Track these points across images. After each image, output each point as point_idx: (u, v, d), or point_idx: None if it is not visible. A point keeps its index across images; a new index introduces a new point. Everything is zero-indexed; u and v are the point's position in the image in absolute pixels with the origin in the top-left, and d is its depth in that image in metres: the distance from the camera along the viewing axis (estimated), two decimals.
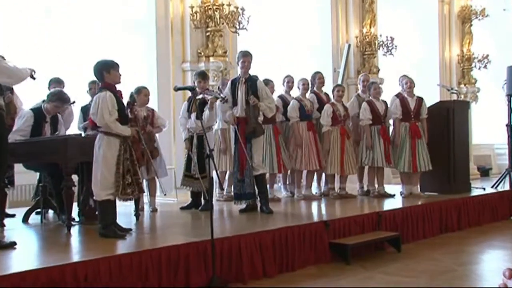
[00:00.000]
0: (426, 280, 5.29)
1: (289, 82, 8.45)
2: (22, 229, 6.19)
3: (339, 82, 11.87)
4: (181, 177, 7.34)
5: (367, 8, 13.00)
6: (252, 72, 7.02)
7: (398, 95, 8.56)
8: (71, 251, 5.06)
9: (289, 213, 7.21)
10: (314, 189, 8.68)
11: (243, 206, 7.00)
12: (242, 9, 9.79)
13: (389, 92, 9.46)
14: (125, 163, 5.32)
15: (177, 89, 5.92)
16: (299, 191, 8.27)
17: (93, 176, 5.31)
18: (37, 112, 6.45)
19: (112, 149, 5.26)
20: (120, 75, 5.41)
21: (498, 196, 9.07)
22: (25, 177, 7.52)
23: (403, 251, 6.51)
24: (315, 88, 8.61)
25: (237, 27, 9.85)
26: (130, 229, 5.62)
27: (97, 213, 5.55)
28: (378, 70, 13.06)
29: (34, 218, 6.64)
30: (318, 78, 8.62)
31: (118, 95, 5.39)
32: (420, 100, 8.41)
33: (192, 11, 9.72)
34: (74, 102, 7.11)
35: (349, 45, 12.52)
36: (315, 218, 6.81)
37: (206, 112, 7.01)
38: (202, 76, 7.37)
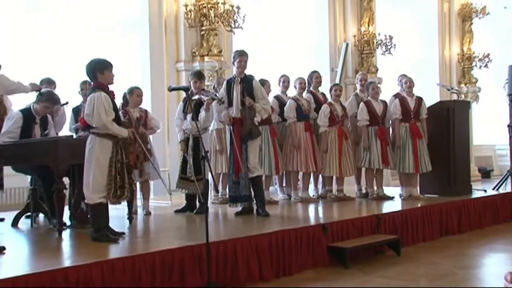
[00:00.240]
0: (426, 284, 5.31)
1: (284, 81, 8.45)
2: (12, 233, 6.17)
3: (337, 81, 11.87)
4: (176, 180, 7.33)
5: (365, 6, 13.01)
6: (248, 72, 7.02)
7: (397, 95, 8.58)
8: (62, 255, 5.04)
9: (286, 216, 7.21)
10: (312, 191, 8.68)
11: (239, 209, 7.00)
12: (238, 8, 9.79)
13: (388, 92, 9.47)
14: (117, 165, 5.32)
15: (171, 89, 5.92)
16: (295, 193, 8.27)
17: (84, 179, 5.30)
18: (27, 113, 6.43)
19: (104, 151, 5.25)
20: (113, 75, 5.42)
21: (499, 198, 9.08)
22: (15, 180, 7.50)
23: (403, 254, 6.51)
24: (311, 88, 8.61)
25: (233, 26, 9.85)
26: (123, 233, 5.61)
27: (89, 216, 5.54)
28: (377, 70, 13.07)
29: (24, 222, 6.62)
30: (315, 77, 8.62)
31: (111, 95, 5.39)
32: (419, 100, 8.44)
33: (186, 9, 9.71)
34: (67, 103, 7.10)
35: (347, 44, 12.53)
36: (313, 221, 6.82)
37: (202, 113, 7.01)
38: (198, 76, 7.37)
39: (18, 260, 4.75)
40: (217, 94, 7.07)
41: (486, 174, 15.80)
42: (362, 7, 13.04)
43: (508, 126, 10.30)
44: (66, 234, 5.83)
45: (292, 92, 8.42)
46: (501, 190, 9.82)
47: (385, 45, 13.04)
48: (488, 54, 15.91)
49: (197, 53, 9.87)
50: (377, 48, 13.03)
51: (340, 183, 8.38)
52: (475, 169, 14.52)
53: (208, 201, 6.78)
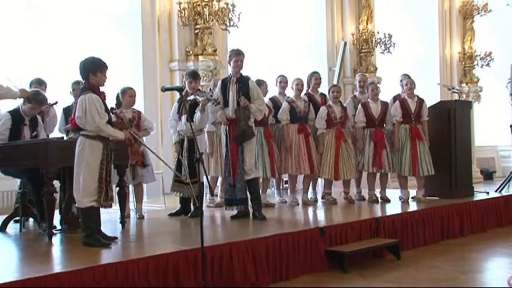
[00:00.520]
0: None
1: (281, 82, 8.46)
2: (0, 238, 6.15)
3: (335, 81, 11.90)
4: (171, 182, 7.33)
5: (364, 3, 13.04)
6: (244, 71, 7.03)
7: (397, 97, 8.59)
8: (52, 261, 5.04)
9: (283, 220, 7.22)
10: (310, 194, 8.68)
11: (235, 212, 7.00)
12: (233, 6, 9.80)
13: (387, 92, 9.49)
14: (108, 168, 5.32)
15: (164, 89, 5.91)
16: (293, 196, 8.28)
17: (74, 182, 5.29)
18: (15, 114, 6.42)
19: (95, 153, 5.25)
20: (105, 78, 5.41)
21: (502, 201, 9.10)
22: (3, 183, 7.50)
23: (403, 258, 6.52)
24: (310, 89, 8.63)
25: (228, 24, 9.86)
26: (116, 237, 5.61)
27: (80, 220, 5.53)
28: (376, 69, 13.10)
29: (13, 227, 6.60)
30: (314, 78, 8.65)
31: (101, 96, 5.38)
32: (420, 101, 8.42)
33: (180, 7, 9.72)
34: (56, 102, 7.09)
35: (345, 43, 12.55)
36: (310, 224, 6.83)
37: (197, 114, 7.01)
38: (193, 76, 7.36)
39: (6, 266, 4.72)
40: (212, 95, 7.07)
41: (488, 175, 15.84)
42: (361, 4, 13.07)
43: (511, 126, 10.33)
44: (56, 239, 5.82)
45: (290, 93, 8.42)
46: (504, 192, 9.85)
47: (384, 43, 13.07)
48: (490, 53, 15.95)
49: (191, 52, 9.87)
50: (376, 47, 13.07)
51: (346, 185, 8.44)
52: (477, 170, 14.58)
53: (203, 204, 6.77)
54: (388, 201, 8.39)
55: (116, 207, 6.29)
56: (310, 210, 7.88)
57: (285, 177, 9.11)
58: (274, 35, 11.93)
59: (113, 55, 8.94)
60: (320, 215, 7.61)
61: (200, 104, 6.97)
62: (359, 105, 8.45)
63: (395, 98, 8.70)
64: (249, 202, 7.01)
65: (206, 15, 9.68)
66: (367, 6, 13.04)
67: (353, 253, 6.09)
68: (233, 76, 6.96)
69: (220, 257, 5.14)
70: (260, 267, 5.41)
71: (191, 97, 7.11)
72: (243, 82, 6.91)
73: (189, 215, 7.24)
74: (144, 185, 7.57)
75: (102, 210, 5.49)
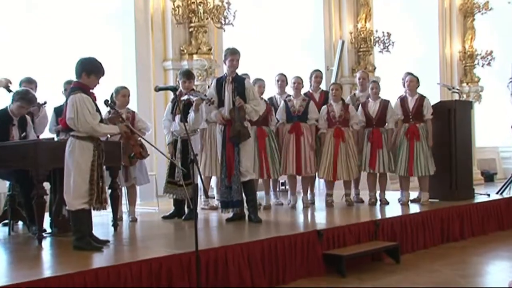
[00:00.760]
0: None
1: (279, 80, 8.46)
2: None
3: (332, 81, 11.90)
4: (164, 184, 7.32)
5: (362, 1, 13.06)
6: (239, 70, 7.03)
7: (401, 96, 8.59)
8: (42, 265, 5.01)
9: (279, 222, 7.21)
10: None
11: (230, 215, 7.00)
12: (228, 3, 9.80)
13: (386, 91, 9.48)
14: (99, 169, 5.31)
15: (158, 89, 5.91)
16: (293, 198, 8.28)
17: (65, 184, 5.28)
18: (3, 114, 6.40)
19: (85, 154, 5.23)
20: (98, 83, 5.41)
21: (503, 203, 9.12)
22: None
23: (402, 262, 6.52)
24: (311, 88, 8.66)
25: (223, 22, 9.86)
26: (108, 241, 5.59)
27: (70, 223, 5.51)
28: (374, 68, 13.11)
29: (2, 230, 6.60)
30: (314, 76, 8.68)
31: (91, 96, 5.37)
32: (421, 99, 8.36)
33: (173, 5, 9.72)
34: (45, 102, 7.07)
35: (343, 42, 12.56)
36: (308, 227, 6.81)
37: (191, 115, 7.00)
38: (187, 75, 7.36)
39: None
40: (206, 95, 7.07)
41: (489, 177, 15.88)
42: (359, 2, 13.09)
43: None
44: (46, 242, 5.80)
45: (291, 91, 8.44)
46: (505, 195, 9.88)
47: (383, 42, 13.09)
48: (491, 52, 15.99)
49: (185, 51, 9.87)
50: (375, 45, 13.08)
51: (347, 186, 8.44)
52: (477, 172, 14.60)
53: (197, 206, 6.77)
54: (387, 203, 8.39)
55: (108, 209, 6.27)
56: (307, 212, 7.87)
57: (283, 179, 9.13)
58: (271, 33, 11.95)
59: (105, 53, 8.93)
60: (318, 218, 7.61)
61: (194, 104, 6.96)
62: (360, 105, 8.47)
63: (399, 97, 8.72)
64: (245, 204, 7.01)
65: (200, 13, 9.68)
66: (366, 4, 13.06)
67: (351, 257, 6.09)
68: (229, 75, 6.96)
69: (215, 261, 5.13)
70: (256, 271, 5.41)
71: (185, 97, 7.10)
72: (238, 82, 6.91)
73: (183, 217, 7.23)
74: (137, 187, 7.55)
75: (93, 212, 5.48)
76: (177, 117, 7.11)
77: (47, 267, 4.92)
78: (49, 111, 7.33)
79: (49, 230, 6.21)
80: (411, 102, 8.38)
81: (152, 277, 4.69)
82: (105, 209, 5.54)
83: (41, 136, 7.04)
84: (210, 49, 9.88)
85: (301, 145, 8.08)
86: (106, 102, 5.96)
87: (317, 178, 8.72)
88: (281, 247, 5.67)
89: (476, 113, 13.54)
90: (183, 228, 6.78)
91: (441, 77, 15.36)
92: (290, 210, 8.03)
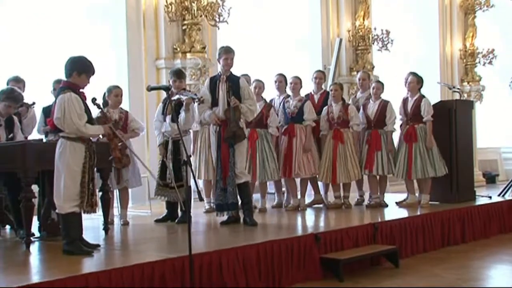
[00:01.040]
0: None
1: (277, 81, 8.44)
2: None
3: (330, 80, 11.91)
4: (155, 186, 7.32)
5: None
6: (238, 71, 7.04)
7: (404, 97, 8.60)
8: (30, 271, 4.99)
9: (275, 225, 7.22)
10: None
11: (224, 218, 7.00)
12: (222, 0, 9.79)
13: (385, 91, 9.49)
14: (90, 171, 5.30)
15: (150, 89, 5.91)
16: (294, 200, 8.28)
17: (55, 186, 5.27)
18: None
19: (76, 156, 5.23)
20: (88, 82, 5.42)
21: (506, 205, 9.14)
22: None
23: (401, 266, 6.53)
24: (314, 88, 8.69)
25: (217, 20, 9.84)
26: (98, 245, 5.60)
27: (60, 227, 5.50)
28: (373, 67, 13.11)
29: None
30: (314, 77, 8.74)
31: (81, 96, 5.37)
32: (419, 99, 8.35)
33: (166, 2, 9.70)
34: (34, 103, 7.06)
35: (341, 40, 12.56)
36: (305, 230, 6.81)
37: (182, 115, 7.00)
38: (178, 74, 7.36)
39: None
40: (196, 93, 7.07)
41: (491, 179, 15.90)
42: None
43: None
44: (34, 247, 5.79)
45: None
46: (507, 197, 9.88)
47: (382, 40, 13.09)
48: (493, 50, 16.01)
49: (178, 49, 9.85)
50: (373, 43, 13.08)
51: (347, 189, 8.47)
52: (479, 174, 14.62)
53: (191, 209, 6.77)
54: (386, 206, 8.40)
55: (99, 212, 6.26)
56: (304, 215, 7.88)
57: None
58: (266, 31, 11.94)
59: (96, 52, 8.92)
60: (315, 221, 7.61)
61: (184, 104, 6.97)
62: (361, 107, 8.50)
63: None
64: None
65: (194, 10, 9.67)
66: (364, 1, 13.05)
67: (349, 261, 6.10)
68: (223, 74, 6.96)
69: (209, 265, 5.13)
70: (252, 275, 5.41)
71: (176, 97, 7.10)
72: (233, 81, 6.91)
73: (176, 221, 7.24)
74: (129, 190, 7.54)
75: (84, 216, 5.47)
76: (168, 118, 7.11)
77: (36, 272, 4.90)
78: (38, 112, 7.30)
79: (37, 234, 6.21)
80: (409, 103, 8.40)
81: (144, 282, 4.69)
82: (96, 212, 5.55)
83: (29, 138, 7.02)
84: (204, 48, 9.87)
85: (293, 147, 8.08)
86: (93, 100, 5.95)
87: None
88: (277, 251, 5.67)
89: (477, 113, 13.55)
90: (176, 232, 6.78)
91: (441, 76, 15.38)
92: (287, 212, 8.03)
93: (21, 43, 8.85)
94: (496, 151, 16.93)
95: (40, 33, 9.01)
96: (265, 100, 8.17)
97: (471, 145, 9.30)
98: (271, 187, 8.98)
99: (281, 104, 8.27)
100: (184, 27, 9.90)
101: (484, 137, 16.04)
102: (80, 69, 5.32)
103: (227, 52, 6.95)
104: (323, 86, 8.93)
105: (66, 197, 5.22)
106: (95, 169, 5.61)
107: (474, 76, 16.03)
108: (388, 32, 13.13)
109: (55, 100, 5.37)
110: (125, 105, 8.78)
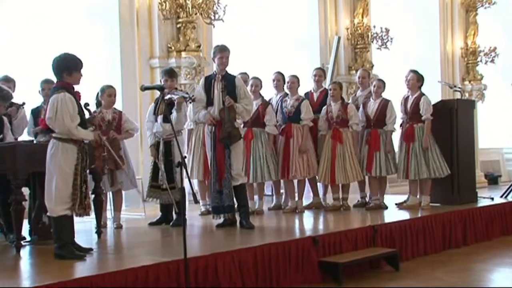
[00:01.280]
0: None
1: (274, 80, 8.44)
2: None
3: (328, 79, 11.91)
4: (147, 188, 7.32)
5: None
6: (236, 69, 7.05)
7: (405, 95, 8.61)
8: (20, 275, 4.99)
9: (272, 228, 7.21)
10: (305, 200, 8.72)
11: (220, 220, 7.00)
12: None
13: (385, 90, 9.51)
14: (83, 173, 5.30)
15: (144, 88, 5.91)
16: (293, 202, 8.29)
17: (46, 189, 5.26)
18: None
19: (68, 157, 5.22)
20: (81, 76, 5.41)
21: (508, 207, 9.14)
22: None
23: (402, 269, 6.54)
24: (314, 87, 8.69)
25: (212, 17, 9.85)
26: (91, 249, 5.59)
27: (51, 231, 5.49)
28: (372, 66, 13.12)
29: None
30: (313, 75, 8.74)
31: (76, 96, 5.36)
32: (418, 97, 8.31)
33: None
34: (24, 103, 7.04)
35: (339, 38, 12.57)
36: (302, 233, 6.81)
37: (173, 114, 7.00)
38: (169, 74, 7.37)
39: None
40: (188, 92, 7.07)
41: (493, 180, 15.92)
42: None
43: None
44: (25, 251, 5.78)
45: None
46: (510, 198, 9.89)
47: (381, 38, 13.11)
48: (495, 48, 16.03)
49: (173, 48, 9.86)
50: (372, 42, 13.09)
51: (345, 190, 8.46)
52: (481, 175, 14.63)
53: (186, 212, 6.77)
54: (386, 207, 8.41)
55: (91, 215, 6.25)
56: (302, 217, 7.88)
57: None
58: (263, 29, 11.93)
59: (88, 51, 8.92)
60: (313, 223, 7.61)
61: (176, 103, 6.97)
62: (361, 105, 8.51)
63: None
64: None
65: (189, 8, 9.67)
66: None
67: (348, 264, 6.10)
68: (218, 73, 6.96)
69: (205, 269, 5.13)
70: (248, 279, 5.41)
71: (168, 96, 7.09)
72: (228, 80, 6.91)
73: (170, 224, 7.22)
74: (123, 192, 7.53)
75: (76, 219, 5.46)
76: (159, 118, 7.11)
77: (26, 277, 4.89)
78: (28, 113, 7.29)
79: (28, 238, 6.19)
80: (409, 102, 8.39)
81: (137, 287, 4.67)
82: (88, 215, 5.55)
83: (20, 139, 7.01)
84: (199, 46, 9.87)
85: (290, 148, 8.09)
86: (86, 105, 5.94)
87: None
88: (274, 254, 5.67)
89: (479, 112, 13.56)
90: (171, 235, 6.77)
91: (442, 75, 15.40)
92: (284, 215, 8.03)
93: (12, 42, 8.83)
94: (498, 152, 16.95)
95: (32, 32, 8.99)
96: (262, 97, 8.15)
97: (472, 146, 9.31)
98: (268, 189, 8.98)
99: (279, 103, 8.28)
100: (178, 25, 9.91)
101: (486, 137, 16.06)
102: (68, 68, 5.30)
103: (222, 51, 6.95)
104: (323, 84, 8.93)
105: (57, 199, 5.21)
106: (88, 171, 5.61)
107: (476, 75, 16.05)
108: (387, 30, 13.13)
109: (44, 100, 5.36)
110: (118, 105, 8.76)
